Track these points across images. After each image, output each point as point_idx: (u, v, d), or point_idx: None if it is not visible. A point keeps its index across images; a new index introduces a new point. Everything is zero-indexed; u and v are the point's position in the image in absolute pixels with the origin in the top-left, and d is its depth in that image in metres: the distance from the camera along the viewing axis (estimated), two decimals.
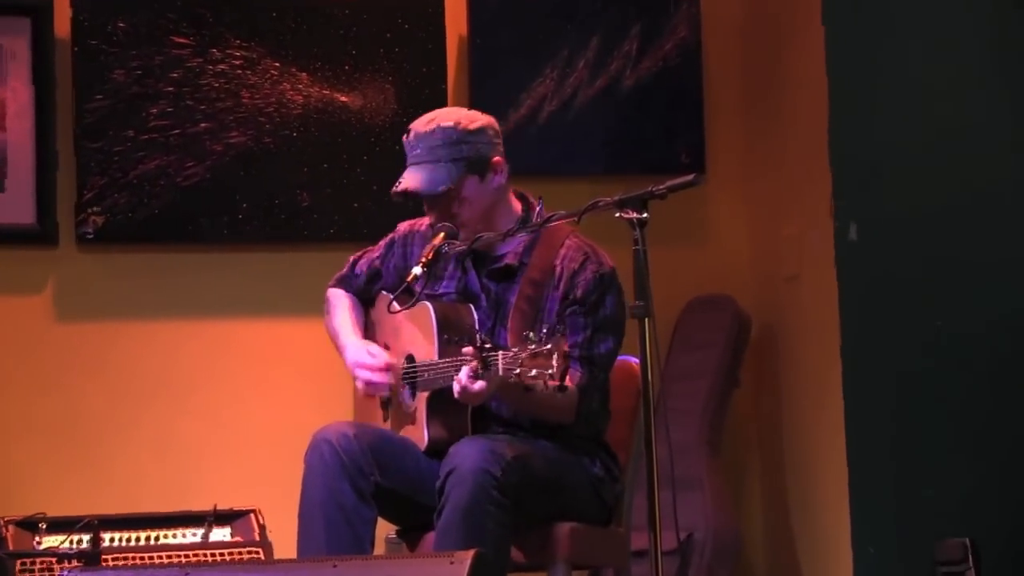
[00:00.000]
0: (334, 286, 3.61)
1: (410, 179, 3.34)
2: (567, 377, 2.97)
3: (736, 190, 5.00)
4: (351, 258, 3.62)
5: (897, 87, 4.39)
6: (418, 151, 3.34)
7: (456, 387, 3.07)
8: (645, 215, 2.86)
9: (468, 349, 3.07)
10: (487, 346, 3.03)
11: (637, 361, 2.94)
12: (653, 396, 2.84)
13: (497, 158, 3.36)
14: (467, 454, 3.10)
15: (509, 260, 3.36)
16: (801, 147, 4.66)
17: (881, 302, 4.34)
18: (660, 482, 2.83)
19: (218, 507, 3.82)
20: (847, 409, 4.30)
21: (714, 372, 4.72)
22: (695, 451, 4.63)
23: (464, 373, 3.05)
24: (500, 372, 2.97)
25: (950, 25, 4.43)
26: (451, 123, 3.33)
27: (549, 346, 2.87)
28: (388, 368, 3.36)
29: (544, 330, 2.93)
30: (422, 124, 3.36)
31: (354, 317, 3.54)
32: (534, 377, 2.88)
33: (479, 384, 3.04)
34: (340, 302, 3.57)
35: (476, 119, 3.37)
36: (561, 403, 3.20)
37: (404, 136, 3.40)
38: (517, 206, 3.42)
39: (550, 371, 2.87)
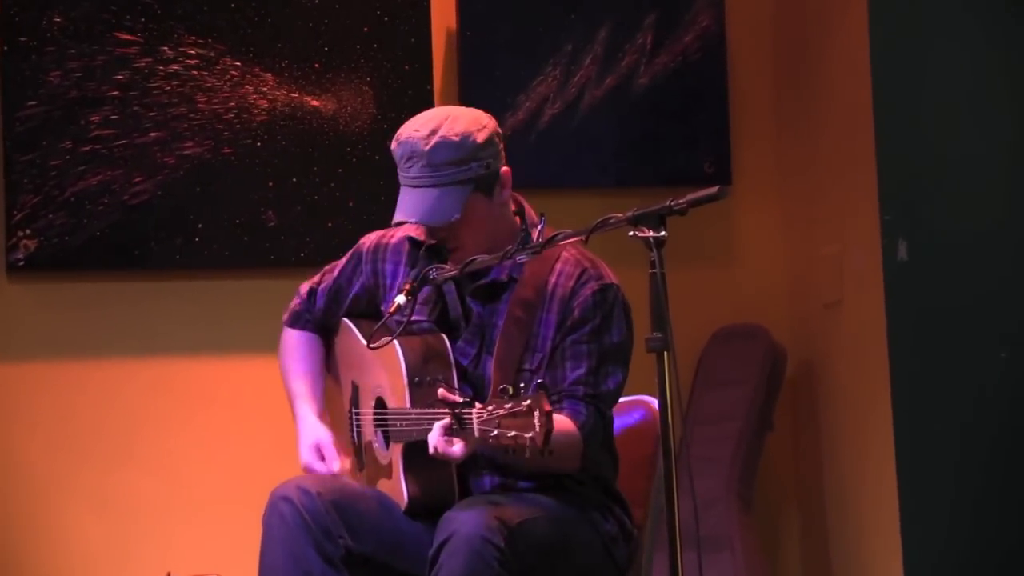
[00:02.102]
0: (289, 324, 3.55)
1: (412, 208, 3.21)
2: (569, 418, 2.96)
3: (767, 204, 5.02)
4: (307, 285, 3.53)
5: (952, 85, 4.39)
6: (415, 170, 3.21)
7: (430, 448, 3.05)
8: (663, 233, 2.83)
9: (442, 392, 3.03)
10: (460, 401, 3.01)
11: (655, 402, 2.90)
12: (674, 442, 2.81)
13: (505, 168, 3.30)
14: (465, 520, 3.06)
15: (496, 275, 3.32)
16: (842, 154, 4.65)
17: (936, 331, 4.33)
18: (683, 541, 2.80)
19: (172, 575, 3.79)
20: (899, 455, 4.30)
21: (744, 414, 4.74)
22: (723, 505, 4.64)
23: (437, 432, 3.03)
24: (476, 434, 2.96)
25: (1016, 13, 4.41)
26: (457, 137, 3.20)
27: (528, 403, 2.84)
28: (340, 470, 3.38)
29: (522, 384, 2.90)
30: (421, 137, 3.20)
31: (310, 369, 3.50)
32: (513, 439, 2.86)
33: (456, 446, 3.03)
34: (295, 349, 3.52)
35: (482, 125, 3.24)
36: (562, 454, 3.16)
37: (393, 145, 3.30)
38: (515, 218, 3.37)
39: (530, 434, 2.83)
